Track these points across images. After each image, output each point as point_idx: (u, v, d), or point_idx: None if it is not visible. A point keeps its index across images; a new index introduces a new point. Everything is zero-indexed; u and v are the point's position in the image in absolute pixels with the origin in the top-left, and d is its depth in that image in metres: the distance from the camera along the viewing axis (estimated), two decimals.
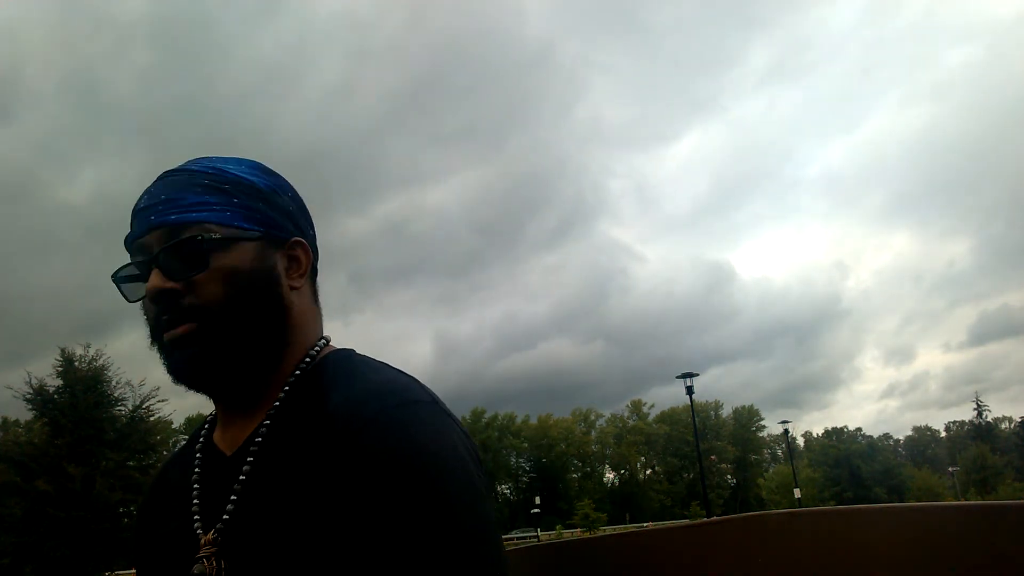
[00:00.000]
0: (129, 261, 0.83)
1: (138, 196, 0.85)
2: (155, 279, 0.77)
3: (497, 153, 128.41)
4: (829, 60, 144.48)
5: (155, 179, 0.84)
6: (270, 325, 0.82)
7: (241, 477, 0.78)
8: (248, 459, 0.79)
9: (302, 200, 0.94)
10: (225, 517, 0.77)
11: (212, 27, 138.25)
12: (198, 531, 0.79)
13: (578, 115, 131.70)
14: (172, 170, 0.85)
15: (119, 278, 0.83)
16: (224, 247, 0.79)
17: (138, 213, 0.81)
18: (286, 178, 0.93)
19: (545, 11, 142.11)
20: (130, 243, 0.82)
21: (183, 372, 0.80)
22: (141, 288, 0.80)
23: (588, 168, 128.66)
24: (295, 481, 0.73)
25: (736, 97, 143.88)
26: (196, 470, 0.85)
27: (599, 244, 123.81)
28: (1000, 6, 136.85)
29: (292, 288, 0.86)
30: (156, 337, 0.81)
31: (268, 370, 0.83)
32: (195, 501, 0.82)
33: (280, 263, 0.85)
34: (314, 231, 0.95)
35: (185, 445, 0.95)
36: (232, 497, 0.77)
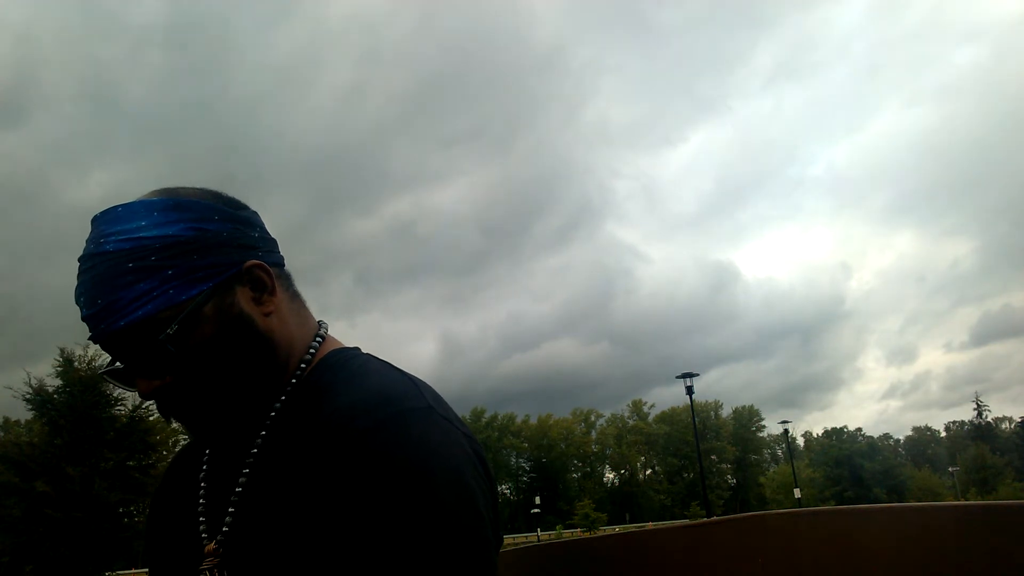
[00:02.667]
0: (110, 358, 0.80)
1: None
2: (141, 385, 0.77)
3: (505, 154, 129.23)
4: (835, 60, 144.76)
5: (78, 267, 0.77)
6: (259, 366, 0.80)
7: (238, 489, 0.79)
8: (244, 471, 0.79)
9: (229, 207, 0.83)
10: (225, 529, 0.78)
11: (225, 31, 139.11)
12: (203, 536, 0.80)
13: (585, 116, 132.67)
14: (91, 255, 0.76)
15: (109, 374, 0.80)
16: (185, 329, 0.75)
17: (85, 320, 0.76)
18: (209, 189, 0.84)
19: (553, 13, 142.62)
20: (95, 342, 0.79)
21: (206, 441, 0.87)
22: (133, 381, 0.79)
23: (594, 169, 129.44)
24: (290, 492, 0.73)
25: (742, 97, 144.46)
26: (204, 468, 0.87)
27: (604, 245, 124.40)
28: (1007, 6, 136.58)
29: (266, 315, 0.81)
30: (168, 420, 0.82)
31: (270, 392, 0.83)
32: (201, 502, 0.83)
33: (244, 298, 0.80)
34: (259, 230, 0.86)
35: None
36: (230, 510, 0.78)
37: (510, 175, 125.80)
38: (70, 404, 16.53)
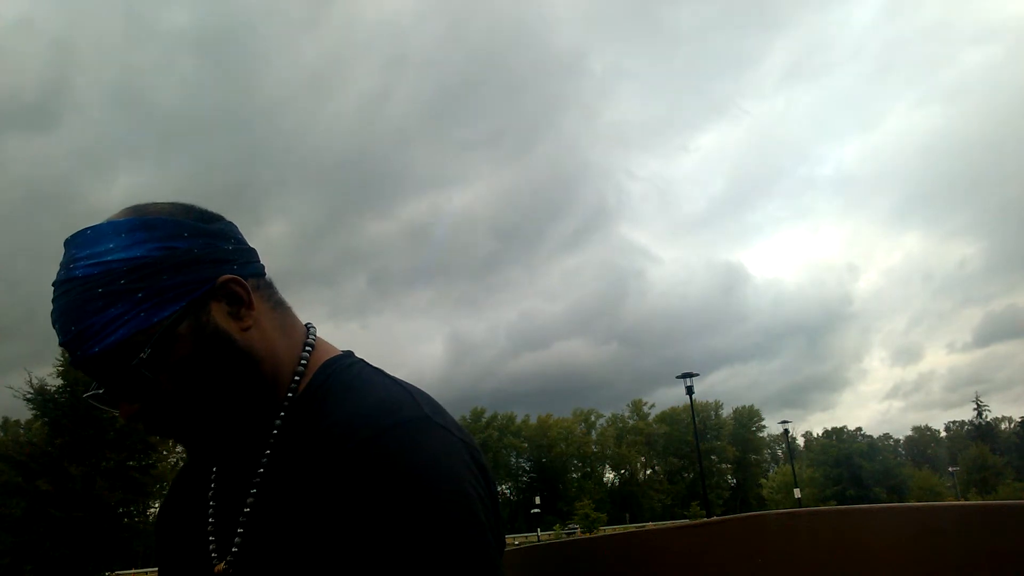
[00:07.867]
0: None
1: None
2: (123, 409, 0.77)
3: (523, 158, 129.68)
4: (847, 60, 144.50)
5: (53, 293, 0.76)
6: (243, 381, 0.79)
7: (246, 509, 0.78)
8: (252, 490, 0.79)
9: (199, 222, 0.81)
10: (234, 550, 0.78)
11: (256, 37, 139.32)
12: (213, 555, 0.80)
13: (601, 120, 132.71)
14: (62, 281, 0.75)
15: (93, 398, 0.79)
16: (160, 350, 0.74)
17: (62, 346, 0.76)
18: (176, 204, 0.81)
19: (574, 19, 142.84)
20: (75, 368, 0.79)
21: (204, 460, 0.86)
22: (116, 404, 0.79)
23: (608, 171, 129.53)
24: (295, 511, 0.74)
25: (754, 98, 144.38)
26: (212, 486, 0.86)
27: (617, 246, 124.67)
28: (1019, 6, 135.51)
29: (245, 329, 0.79)
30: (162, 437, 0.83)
31: (262, 407, 0.82)
32: (210, 521, 0.83)
33: (219, 314, 0.78)
34: (233, 242, 0.83)
35: None
36: (239, 530, 0.78)
37: (528, 178, 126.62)
38: (71, 404, 16.53)
